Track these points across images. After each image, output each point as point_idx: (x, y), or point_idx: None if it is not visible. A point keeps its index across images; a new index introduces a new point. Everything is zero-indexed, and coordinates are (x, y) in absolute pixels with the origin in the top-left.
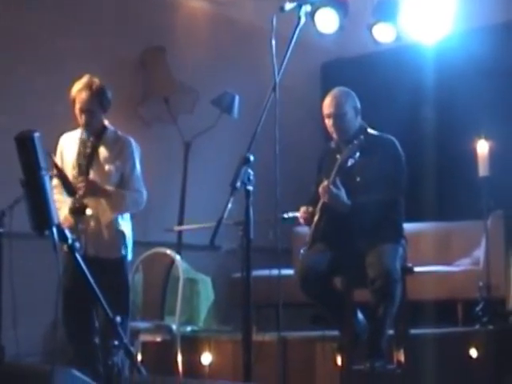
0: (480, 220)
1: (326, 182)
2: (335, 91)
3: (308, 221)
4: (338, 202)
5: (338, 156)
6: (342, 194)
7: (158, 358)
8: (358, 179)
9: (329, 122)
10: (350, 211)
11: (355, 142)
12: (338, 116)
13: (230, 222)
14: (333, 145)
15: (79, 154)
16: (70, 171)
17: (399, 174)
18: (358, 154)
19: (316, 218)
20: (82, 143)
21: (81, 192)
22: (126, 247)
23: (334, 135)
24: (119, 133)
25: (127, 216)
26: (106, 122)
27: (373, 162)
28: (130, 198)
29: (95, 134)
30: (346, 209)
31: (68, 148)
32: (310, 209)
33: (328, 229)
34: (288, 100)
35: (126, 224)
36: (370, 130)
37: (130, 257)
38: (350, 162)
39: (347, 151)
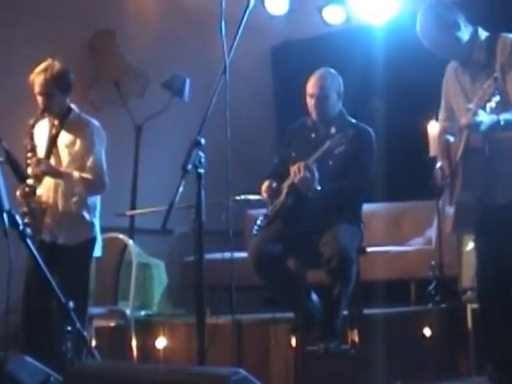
0: (431, 200)
1: (302, 163)
2: (322, 72)
3: (271, 196)
4: (309, 187)
5: (314, 135)
6: (315, 178)
7: (112, 343)
8: (331, 163)
9: (310, 102)
10: (315, 197)
11: (350, 131)
12: (321, 98)
13: (182, 206)
14: (309, 122)
15: (31, 138)
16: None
17: (369, 164)
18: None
19: (284, 193)
20: (48, 127)
21: (35, 171)
22: (87, 233)
23: (314, 115)
24: (82, 116)
25: (92, 201)
26: (72, 106)
27: (347, 151)
28: (84, 180)
29: (59, 118)
30: (313, 195)
31: (39, 134)
32: (275, 184)
33: (291, 206)
34: (238, 82)
35: (88, 209)
36: (348, 118)
37: (99, 242)
38: (337, 151)
39: (338, 138)
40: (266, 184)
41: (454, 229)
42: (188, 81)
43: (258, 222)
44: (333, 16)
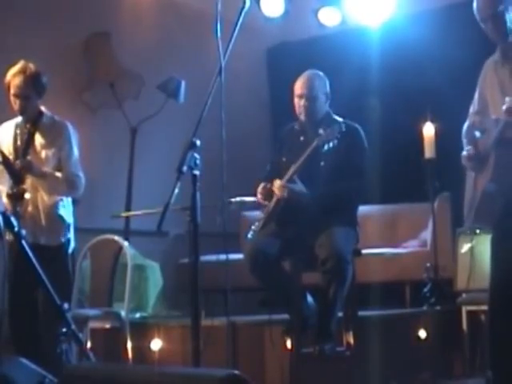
0: (427, 202)
1: (278, 183)
2: (310, 73)
3: (266, 197)
4: (298, 196)
5: (302, 138)
6: (299, 187)
7: (108, 345)
8: (322, 164)
9: (299, 102)
10: (307, 202)
11: (336, 126)
12: (310, 98)
13: (177, 208)
14: (296, 126)
15: (15, 141)
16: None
17: (363, 164)
18: (335, 141)
19: (276, 196)
20: (19, 130)
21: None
22: (66, 234)
23: (302, 116)
24: (56, 118)
25: (68, 202)
26: (43, 108)
27: (338, 149)
28: (66, 181)
29: (32, 120)
30: (305, 199)
31: (6, 137)
32: (269, 185)
33: (284, 208)
34: (234, 84)
35: (66, 210)
36: (335, 117)
37: (72, 244)
38: (327, 148)
39: (325, 135)
40: (260, 186)
41: (475, 220)
42: (183, 83)
43: (253, 227)
44: (328, 18)
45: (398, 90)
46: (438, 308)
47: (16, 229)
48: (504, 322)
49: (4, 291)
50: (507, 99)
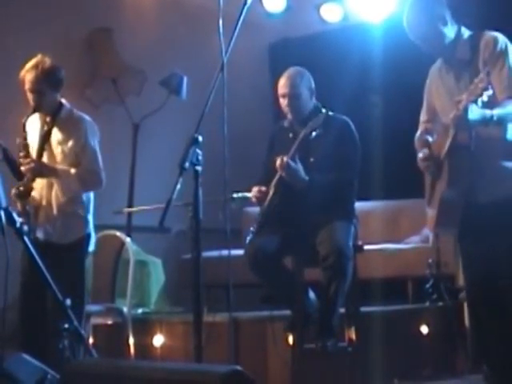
0: None
1: (284, 158)
2: (290, 71)
3: (261, 200)
4: (296, 177)
5: (291, 135)
6: (300, 168)
7: (110, 341)
8: (312, 160)
9: (283, 102)
10: (305, 188)
11: (320, 114)
12: (293, 96)
13: (180, 204)
14: (286, 123)
15: (24, 138)
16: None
17: (353, 156)
18: (322, 131)
19: (270, 193)
20: (40, 124)
21: (28, 174)
22: (83, 230)
23: (289, 115)
24: (74, 111)
25: (87, 197)
26: (64, 101)
27: (327, 143)
28: (80, 178)
29: (51, 114)
30: (303, 184)
31: (31, 130)
32: (264, 188)
33: (281, 206)
34: (236, 80)
35: (83, 206)
36: (323, 111)
37: (93, 239)
38: (314, 134)
39: (310, 125)
40: (255, 189)
41: (436, 227)
42: (185, 78)
43: (252, 228)
44: (330, 14)
45: (400, 86)
46: (440, 304)
47: (18, 225)
48: (483, 318)
49: (7, 287)
50: (458, 98)
